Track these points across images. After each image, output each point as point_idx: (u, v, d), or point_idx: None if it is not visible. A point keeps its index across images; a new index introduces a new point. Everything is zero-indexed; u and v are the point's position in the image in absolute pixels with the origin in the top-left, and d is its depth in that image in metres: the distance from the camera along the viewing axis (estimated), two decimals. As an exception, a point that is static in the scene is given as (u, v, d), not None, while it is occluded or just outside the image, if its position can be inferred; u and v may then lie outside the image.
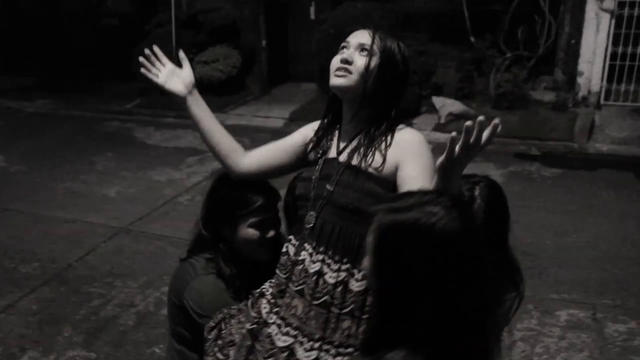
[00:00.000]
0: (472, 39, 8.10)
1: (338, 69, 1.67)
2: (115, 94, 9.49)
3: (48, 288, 3.94)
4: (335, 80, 1.68)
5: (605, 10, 7.32)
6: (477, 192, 1.85)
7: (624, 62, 7.45)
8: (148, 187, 5.81)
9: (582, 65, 7.68)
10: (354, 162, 1.68)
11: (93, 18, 10.56)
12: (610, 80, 7.63)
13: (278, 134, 7.76)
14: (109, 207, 5.32)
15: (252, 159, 1.91)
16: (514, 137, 6.99)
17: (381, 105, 1.70)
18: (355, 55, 1.67)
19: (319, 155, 1.79)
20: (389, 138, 1.68)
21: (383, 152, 1.66)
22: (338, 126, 1.80)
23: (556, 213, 5.05)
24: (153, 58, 1.98)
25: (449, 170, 1.42)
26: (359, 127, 1.72)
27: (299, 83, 9.70)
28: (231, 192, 1.99)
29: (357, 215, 1.61)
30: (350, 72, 1.65)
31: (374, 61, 1.67)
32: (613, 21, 7.38)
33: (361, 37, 1.70)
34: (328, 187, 1.68)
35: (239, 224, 1.96)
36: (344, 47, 1.71)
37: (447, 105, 7.54)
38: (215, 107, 8.52)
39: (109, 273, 4.12)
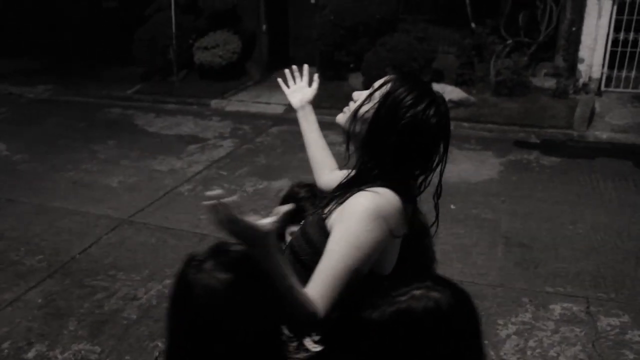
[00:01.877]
0: (473, 25, 8.07)
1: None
2: (115, 79, 9.50)
3: (53, 281, 4.01)
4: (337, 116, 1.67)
5: (607, -4, 7.30)
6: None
7: (625, 48, 7.45)
8: (149, 176, 5.86)
9: (583, 52, 7.67)
10: (324, 212, 1.56)
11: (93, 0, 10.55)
12: (611, 66, 7.63)
13: (278, 120, 7.81)
14: (111, 198, 5.38)
15: (330, 179, 1.90)
16: (514, 125, 7.02)
17: (368, 157, 1.55)
18: (363, 96, 1.61)
19: None
20: (347, 196, 1.51)
21: (333, 210, 1.53)
22: None
23: (554, 203, 5.10)
24: (296, 73, 2.17)
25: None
26: (352, 174, 1.62)
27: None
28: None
29: (308, 270, 1.47)
30: (346, 112, 1.63)
31: (369, 106, 1.55)
32: (615, 7, 7.36)
33: (379, 80, 1.62)
34: (290, 234, 1.69)
35: None
36: None
37: (447, 92, 7.54)
38: (216, 93, 8.60)
39: (111, 265, 4.19)
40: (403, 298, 1.20)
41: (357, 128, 1.57)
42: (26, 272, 4.12)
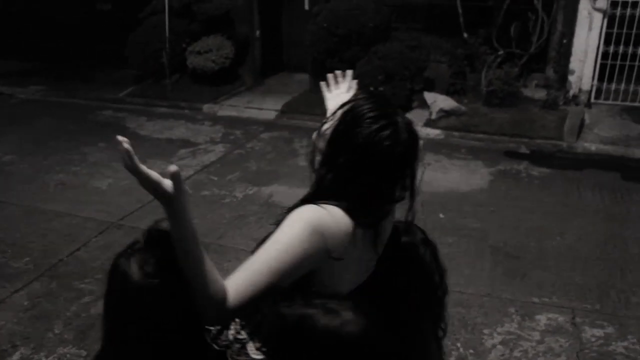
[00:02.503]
0: (465, 35, 8.13)
1: None
2: (108, 82, 9.49)
3: (39, 283, 4.00)
4: None
5: (598, 10, 7.37)
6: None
7: (615, 61, 7.51)
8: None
9: (574, 64, 7.74)
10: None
11: (87, 2, 10.53)
12: (601, 79, 7.69)
13: (270, 126, 7.82)
14: (100, 201, 5.37)
15: None
16: (504, 135, 7.06)
17: (325, 173, 1.54)
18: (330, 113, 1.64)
19: None
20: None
21: (282, 220, 1.52)
22: None
23: (542, 214, 5.13)
24: (339, 78, 2.06)
25: None
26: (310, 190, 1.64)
27: (293, 74, 9.72)
28: None
29: None
30: None
31: (331, 123, 1.57)
32: (605, 20, 7.42)
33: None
34: None
35: None
36: None
37: (438, 101, 7.59)
38: (208, 98, 8.61)
39: (99, 269, 4.17)
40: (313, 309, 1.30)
41: (320, 145, 1.57)
42: (12, 274, 4.10)
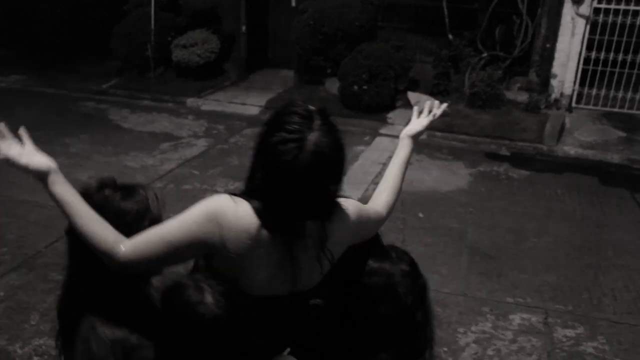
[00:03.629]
0: (450, 37, 8.19)
1: None
2: (91, 73, 9.41)
3: (16, 274, 3.98)
4: None
5: (581, 16, 7.46)
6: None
7: (597, 67, 7.62)
8: (120, 172, 5.81)
9: (556, 68, 7.83)
10: None
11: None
12: (582, 84, 7.81)
13: (253, 121, 7.79)
14: (80, 192, 5.33)
15: None
16: (486, 136, 7.14)
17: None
18: None
19: None
20: None
21: None
22: None
23: (520, 216, 5.20)
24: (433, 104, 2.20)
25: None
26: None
27: (278, 70, 9.72)
28: None
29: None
30: None
31: None
32: (588, 27, 7.53)
33: None
34: None
35: None
36: None
37: (421, 101, 7.61)
38: (192, 92, 8.59)
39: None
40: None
41: None
42: (-11, 264, 4.08)
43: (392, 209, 1.87)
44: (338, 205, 1.60)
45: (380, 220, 1.81)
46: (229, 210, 1.48)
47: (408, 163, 2.01)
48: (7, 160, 1.54)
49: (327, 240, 1.55)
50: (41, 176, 1.56)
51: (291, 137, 1.41)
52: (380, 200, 1.86)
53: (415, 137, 2.05)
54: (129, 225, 1.57)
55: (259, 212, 1.48)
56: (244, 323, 1.47)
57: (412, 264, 1.74)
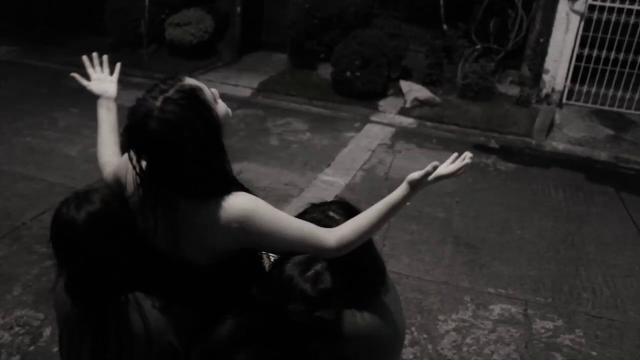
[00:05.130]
0: (445, 27, 8.19)
1: None
2: (83, 47, 9.10)
3: (0, 245, 3.97)
4: None
5: (576, 12, 7.49)
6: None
7: (589, 64, 7.66)
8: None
9: (549, 64, 7.86)
10: None
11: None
12: (574, 80, 7.85)
13: (244, 103, 7.77)
14: (68, 166, 5.32)
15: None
16: (476, 128, 7.17)
17: None
18: None
19: None
20: None
21: None
22: None
23: (505, 208, 5.25)
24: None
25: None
26: None
27: (271, 53, 9.69)
28: None
29: None
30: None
31: None
32: (582, 23, 7.55)
33: None
34: None
35: None
36: None
37: (413, 90, 7.66)
38: (184, 71, 8.48)
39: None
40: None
41: None
42: (-27, 234, 4.07)
43: (347, 246, 1.66)
44: (220, 191, 1.60)
45: (321, 249, 1.65)
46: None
47: (394, 210, 1.73)
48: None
49: (176, 212, 1.59)
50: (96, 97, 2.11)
51: (140, 102, 1.52)
52: (342, 230, 1.68)
53: (415, 185, 1.74)
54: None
55: None
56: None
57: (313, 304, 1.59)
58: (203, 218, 1.59)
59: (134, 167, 1.59)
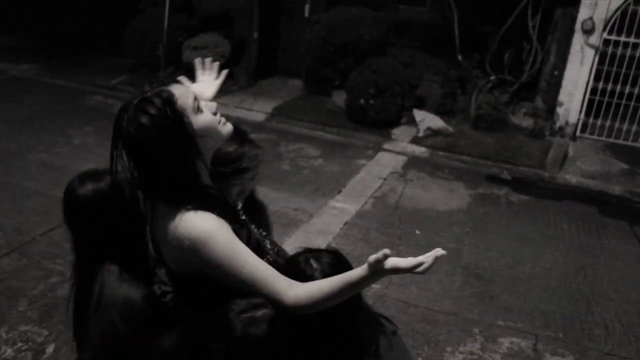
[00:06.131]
0: (460, 58, 8.22)
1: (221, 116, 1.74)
2: (101, 68, 9.47)
3: (8, 259, 3.98)
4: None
5: (591, 46, 7.49)
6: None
7: (603, 97, 7.63)
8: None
9: (563, 96, 7.84)
10: None
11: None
12: (588, 113, 7.81)
13: (258, 127, 7.81)
14: (80, 184, 5.34)
15: None
16: (488, 159, 7.14)
17: None
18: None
19: None
20: None
21: None
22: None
23: (516, 240, 5.19)
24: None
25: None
26: None
27: (287, 78, 9.76)
28: None
29: None
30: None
31: None
32: (597, 57, 7.54)
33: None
34: None
35: None
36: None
37: (427, 119, 7.66)
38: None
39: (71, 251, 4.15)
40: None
41: None
42: (-17, 248, 4.08)
43: (300, 309, 1.53)
44: (184, 201, 1.60)
45: (274, 299, 1.55)
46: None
47: (351, 288, 1.51)
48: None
49: (153, 208, 1.67)
50: None
51: (127, 99, 1.62)
52: (300, 291, 1.54)
53: (373, 270, 1.49)
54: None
55: None
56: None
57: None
58: (166, 223, 1.59)
59: (111, 158, 1.64)
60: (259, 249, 1.80)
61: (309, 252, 1.67)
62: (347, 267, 1.62)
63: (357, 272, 1.50)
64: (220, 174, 1.84)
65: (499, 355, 3.58)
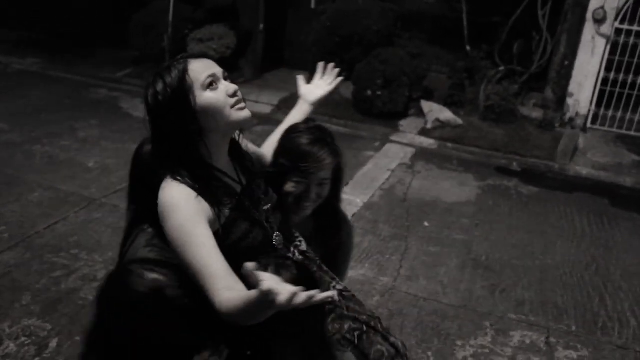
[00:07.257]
0: (468, 48, 8.12)
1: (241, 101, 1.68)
2: (107, 61, 9.41)
3: (12, 253, 3.93)
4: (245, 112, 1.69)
5: (602, 36, 7.37)
6: None
7: (614, 88, 7.51)
8: (127, 160, 5.70)
9: (573, 87, 7.73)
10: None
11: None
12: (598, 104, 7.70)
13: (264, 120, 7.79)
14: (84, 177, 5.30)
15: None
16: (497, 150, 7.04)
17: None
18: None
19: None
20: None
21: None
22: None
23: (527, 232, 5.11)
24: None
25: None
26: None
27: (293, 70, 9.65)
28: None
29: None
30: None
31: None
32: (608, 47, 7.42)
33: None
34: None
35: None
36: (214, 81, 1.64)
37: (435, 110, 7.57)
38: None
39: (75, 244, 4.12)
40: None
41: None
42: (-14, 241, 4.04)
43: (226, 316, 1.42)
44: (169, 170, 1.61)
45: (209, 297, 1.47)
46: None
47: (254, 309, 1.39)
48: None
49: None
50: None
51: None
52: (232, 298, 1.41)
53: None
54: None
55: None
56: None
57: None
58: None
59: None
60: (279, 266, 1.72)
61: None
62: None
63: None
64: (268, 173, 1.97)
65: (510, 349, 3.51)
